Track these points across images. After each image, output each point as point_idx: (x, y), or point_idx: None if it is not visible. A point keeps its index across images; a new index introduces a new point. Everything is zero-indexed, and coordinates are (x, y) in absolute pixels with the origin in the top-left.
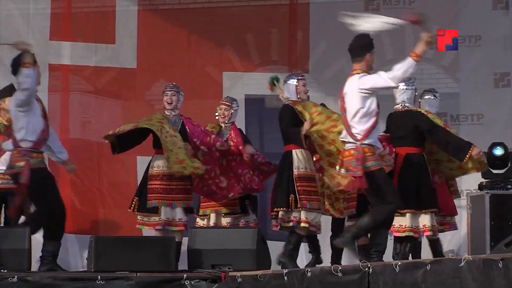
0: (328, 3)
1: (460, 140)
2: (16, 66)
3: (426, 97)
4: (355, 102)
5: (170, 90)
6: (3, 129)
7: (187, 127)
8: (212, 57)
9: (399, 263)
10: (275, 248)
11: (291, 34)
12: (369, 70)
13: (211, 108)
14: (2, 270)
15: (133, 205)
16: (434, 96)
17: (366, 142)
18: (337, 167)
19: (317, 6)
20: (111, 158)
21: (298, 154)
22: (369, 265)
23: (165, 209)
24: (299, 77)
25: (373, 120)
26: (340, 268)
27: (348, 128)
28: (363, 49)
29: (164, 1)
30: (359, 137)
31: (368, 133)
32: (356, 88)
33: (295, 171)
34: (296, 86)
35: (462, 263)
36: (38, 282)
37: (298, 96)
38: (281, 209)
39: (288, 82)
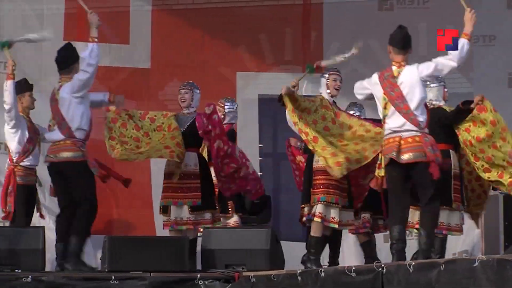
0: (341, 3)
1: None
2: (65, 57)
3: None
4: (419, 91)
5: (184, 88)
6: (29, 123)
7: (196, 123)
8: (226, 57)
9: (413, 263)
10: (288, 248)
11: (304, 34)
12: None
13: None
14: (16, 270)
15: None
16: None
17: (426, 131)
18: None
19: (330, 6)
20: None
21: None
22: (382, 265)
23: (173, 208)
24: (330, 72)
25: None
26: (354, 268)
27: (412, 116)
28: (409, 42)
29: (178, 1)
30: (423, 125)
31: (428, 122)
32: (418, 77)
33: (314, 164)
34: (327, 80)
35: (476, 263)
36: (52, 282)
37: (328, 91)
38: (306, 205)
39: (321, 77)
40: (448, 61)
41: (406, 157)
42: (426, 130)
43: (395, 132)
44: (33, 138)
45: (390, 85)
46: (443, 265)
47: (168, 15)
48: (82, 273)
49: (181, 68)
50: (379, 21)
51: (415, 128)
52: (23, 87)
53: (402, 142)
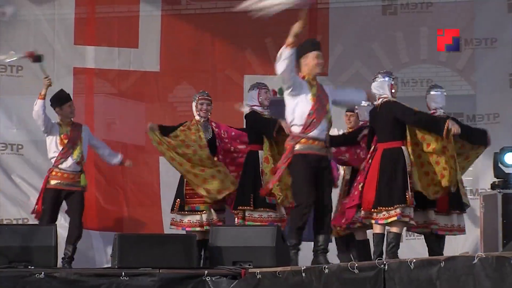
0: (346, 8)
1: None
2: None
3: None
4: None
5: (206, 99)
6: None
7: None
8: (233, 60)
9: (414, 260)
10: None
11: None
12: None
13: (233, 111)
14: (29, 267)
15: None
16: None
17: None
18: None
19: (336, 11)
20: (134, 158)
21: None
22: (384, 262)
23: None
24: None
25: None
26: (356, 265)
27: None
28: None
29: (187, 7)
30: None
31: None
32: None
33: (408, 168)
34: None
35: (475, 260)
36: (64, 278)
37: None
38: (400, 205)
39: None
40: None
41: None
42: None
43: None
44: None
45: None
46: (443, 262)
47: (177, 19)
48: (93, 270)
49: (189, 71)
50: (383, 25)
51: None
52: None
53: None
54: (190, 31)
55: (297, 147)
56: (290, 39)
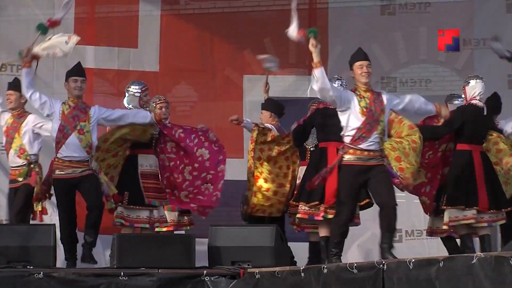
0: (345, 8)
1: None
2: None
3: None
4: None
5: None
6: None
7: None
8: (233, 60)
9: (413, 260)
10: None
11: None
12: None
13: (232, 110)
14: (28, 267)
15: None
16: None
17: None
18: None
19: (335, 11)
20: None
21: None
22: (383, 262)
23: None
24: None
25: None
26: (355, 264)
27: None
28: None
29: (186, 6)
30: None
31: None
32: None
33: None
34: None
35: (474, 260)
36: (63, 278)
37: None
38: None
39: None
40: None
41: None
42: None
43: None
44: None
45: None
46: (442, 262)
47: (176, 19)
48: (92, 270)
49: (188, 71)
50: (381, 25)
51: None
52: None
53: None
54: (190, 31)
55: (346, 157)
56: (315, 60)
